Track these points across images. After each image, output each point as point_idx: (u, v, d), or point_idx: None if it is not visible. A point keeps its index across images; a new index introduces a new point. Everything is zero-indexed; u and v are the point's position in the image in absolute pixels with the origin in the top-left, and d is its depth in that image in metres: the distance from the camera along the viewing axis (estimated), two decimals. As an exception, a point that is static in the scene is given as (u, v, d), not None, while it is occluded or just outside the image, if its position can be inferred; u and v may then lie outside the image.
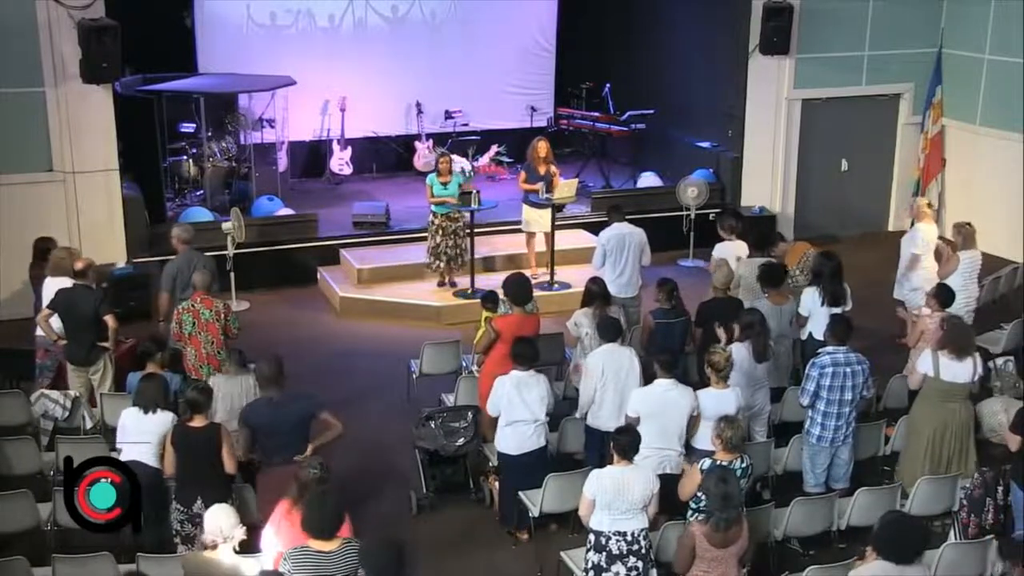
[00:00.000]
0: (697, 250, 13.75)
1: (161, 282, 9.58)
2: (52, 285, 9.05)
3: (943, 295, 8.97)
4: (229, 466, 7.00)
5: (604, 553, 6.54)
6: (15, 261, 11.36)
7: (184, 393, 7.83)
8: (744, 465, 6.78)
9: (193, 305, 8.76)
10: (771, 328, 8.51)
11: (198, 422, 7.00)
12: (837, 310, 8.92)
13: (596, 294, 9.00)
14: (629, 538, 6.52)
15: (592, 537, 6.60)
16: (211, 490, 6.84)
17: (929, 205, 11.45)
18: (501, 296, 9.24)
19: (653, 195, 14.39)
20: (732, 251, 10.11)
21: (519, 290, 8.86)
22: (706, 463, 6.70)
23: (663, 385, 7.44)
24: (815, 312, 9.09)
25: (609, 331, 8.20)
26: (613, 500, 6.50)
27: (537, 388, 7.72)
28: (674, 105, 15.43)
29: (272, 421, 7.09)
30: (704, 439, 7.24)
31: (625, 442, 6.58)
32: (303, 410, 7.20)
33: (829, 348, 7.85)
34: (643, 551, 6.55)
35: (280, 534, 6.18)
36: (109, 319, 8.94)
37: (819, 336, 8.73)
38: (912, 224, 11.60)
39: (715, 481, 6.15)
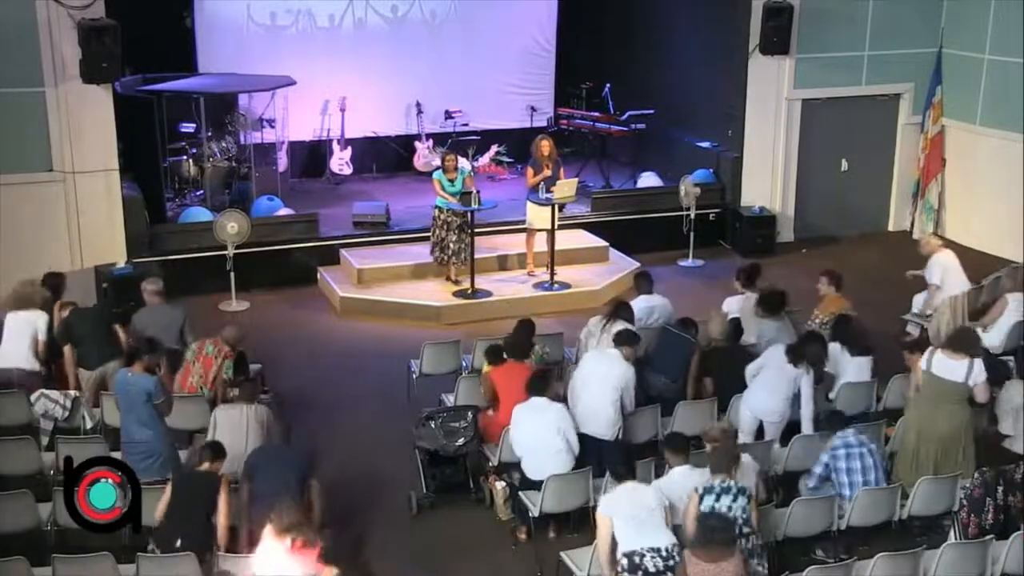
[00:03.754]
0: (697, 250, 13.77)
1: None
2: (13, 320, 8.91)
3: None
4: (222, 519, 6.82)
5: (641, 572, 6.41)
6: (15, 261, 11.37)
7: (157, 396, 7.81)
8: (726, 485, 6.72)
9: (204, 340, 8.89)
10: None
11: (203, 466, 7.02)
12: (864, 361, 8.98)
13: (617, 315, 9.10)
14: (664, 553, 6.43)
15: (625, 561, 6.45)
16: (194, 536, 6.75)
17: (940, 236, 11.50)
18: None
19: (653, 195, 14.40)
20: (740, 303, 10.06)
21: (516, 344, 8.76)
22: (700, 488, 6.77)
23: (682, 472, 7.14)
24: (842, 363, 9.03)
25: (619, 338, 8.36)
26: (632, 509, 6.47)
27: (552, 412, 7.77)
28: (674, 105, 15.42)
29: (266, 466, 7.17)
30: None
31: (618, 469, 6.83)
32: (297, 468, 7.22)
33: (837, 433, 7.62)
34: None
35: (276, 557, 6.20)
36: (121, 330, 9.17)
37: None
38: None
39: (704, 517, 6.39)
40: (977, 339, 8.37)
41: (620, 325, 8.88)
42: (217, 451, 7.12)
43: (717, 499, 6.72)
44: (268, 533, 6.26)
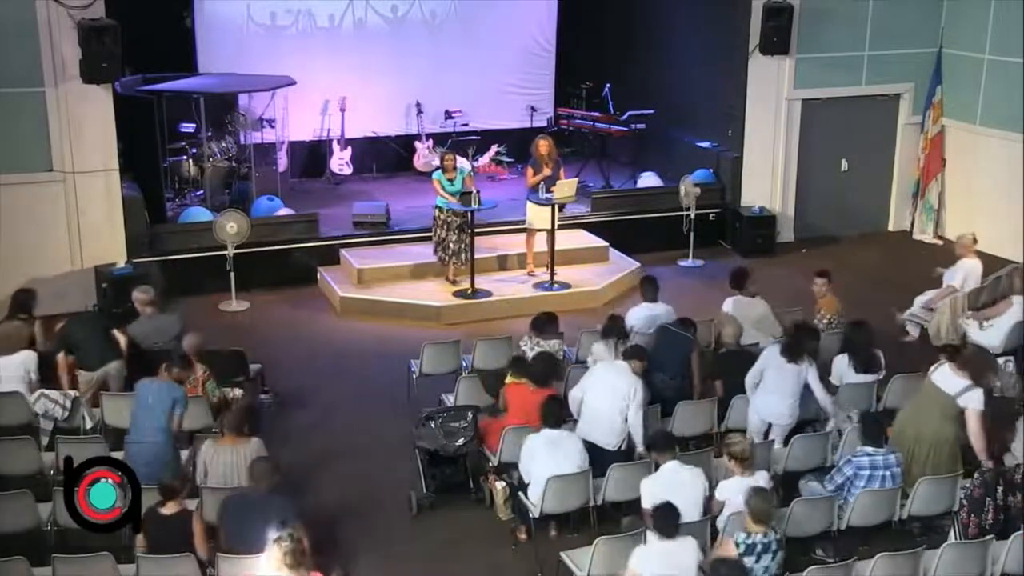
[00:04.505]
0: (697, 250, 13.77)
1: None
2: (2, 365, 8.75)
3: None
4: (201, 551, 6.72)
5: None
6: (15, 261, 11.38)
7: (182, 405, 7.82)
8: (768, 540, 6.52)
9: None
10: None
11: (170, 509, 6.79)
12: (870, 377, 8.87)
13: (612, 330, 9.00)
14: None
15: None
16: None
17: (975, 240, 11.22)
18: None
19: (653, 195, 14.40)
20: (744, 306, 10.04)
21: (539, 371, 8.52)
22: (738, 535, 6.54)
23: (670, 467, 7.17)
24: (846, 378, 8.94)
25: (629, 352, 8.30)
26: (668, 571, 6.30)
27: (569, 446, 7.67)
28: (674, 105, 15.42)
29: (241, 515, 6.88)
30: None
31: (662, 523, 6.41)
32: (277, 514, 6.83)
33: (868, 448, 7.50)
34: None
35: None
36: (119, 334, 9.16)
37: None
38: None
39: (715, 565, 6.17)
40: (989, 369, 8.31)
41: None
42: (175, 488, 6.89)
43: (757, 559, 6.49)
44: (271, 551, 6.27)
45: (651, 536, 6.51)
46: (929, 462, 7.77)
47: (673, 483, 7.06)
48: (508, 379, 8.62)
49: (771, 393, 8.37)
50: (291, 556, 6.09)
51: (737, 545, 6.52)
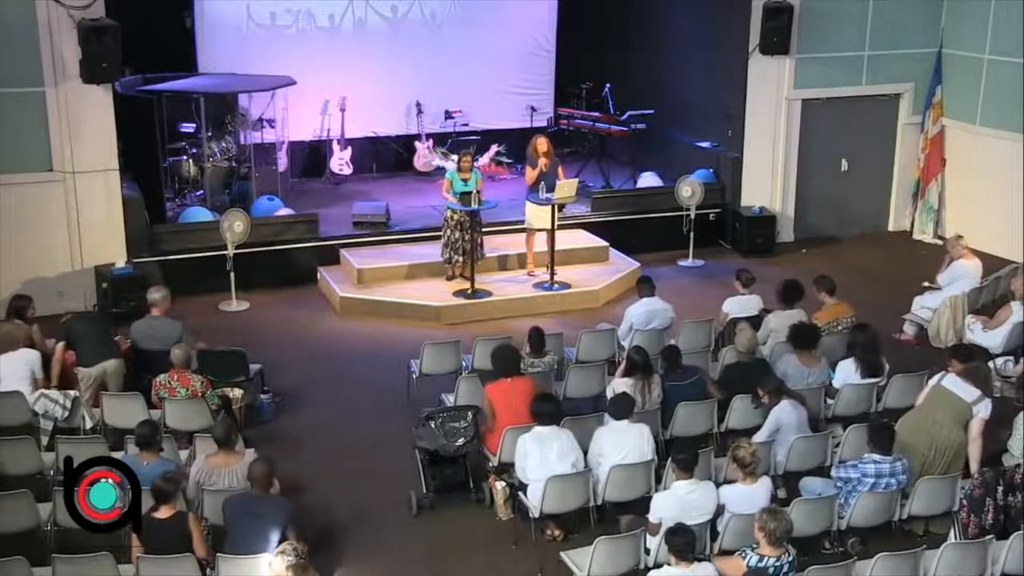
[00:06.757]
0: (697, 250, 13.77)
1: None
2: (7, 362, 8.76)
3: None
4: (200, 552, 6.67)
5: None
6: (15, 261, 11.38)
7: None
8: (781, 563, 6.39)
9: (169, 382, 8.57)
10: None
11: (164, 513, 6.71)
12: (873, 380, 8.84)
13: (639, 364, 8.57)
14: None
15: None
16: None
17: (965, 246, 11.24)
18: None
19: (653, 195, 14.40)
20: (743, 304, 10.05)
21: (502, 363, 8.50)
22: (750, 557, 6.39)
23: (684, 487, 7.08)
24: (851, 380, 8.86)
25: (620, 409, 7.92)
26: None
27: (557, 442, 7.63)
28: (674, 105, 15.43)
29: (242, 517, 6.83)
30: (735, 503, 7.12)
31: (680, 543, 6.27)
32: (275, 518, 6.82)
33: (876, 456, 7.45)
34: None
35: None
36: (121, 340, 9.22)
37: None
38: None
39: None
40: (990, 380, 8.36)
41: (655, 383, 8.60)
42: (169, 492, 6.77)
43: None
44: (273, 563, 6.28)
45: (665, 557, 6.42)
46: (943, 467, 7.80)
47: (686, 503, 7.01)
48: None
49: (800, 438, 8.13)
50: (294, 570, 6.09)
51: (748, 567, 6.40)
